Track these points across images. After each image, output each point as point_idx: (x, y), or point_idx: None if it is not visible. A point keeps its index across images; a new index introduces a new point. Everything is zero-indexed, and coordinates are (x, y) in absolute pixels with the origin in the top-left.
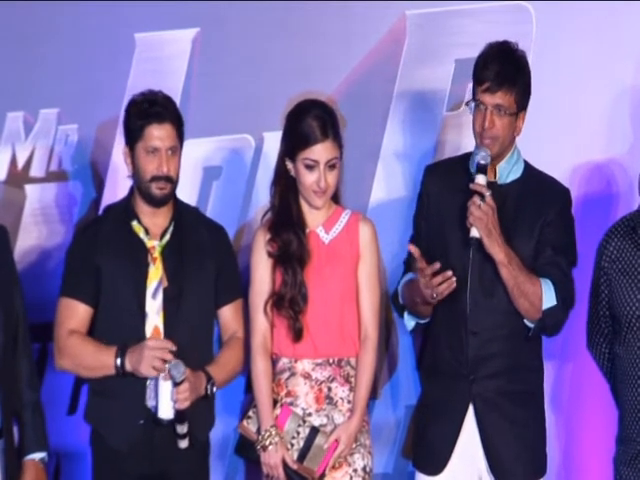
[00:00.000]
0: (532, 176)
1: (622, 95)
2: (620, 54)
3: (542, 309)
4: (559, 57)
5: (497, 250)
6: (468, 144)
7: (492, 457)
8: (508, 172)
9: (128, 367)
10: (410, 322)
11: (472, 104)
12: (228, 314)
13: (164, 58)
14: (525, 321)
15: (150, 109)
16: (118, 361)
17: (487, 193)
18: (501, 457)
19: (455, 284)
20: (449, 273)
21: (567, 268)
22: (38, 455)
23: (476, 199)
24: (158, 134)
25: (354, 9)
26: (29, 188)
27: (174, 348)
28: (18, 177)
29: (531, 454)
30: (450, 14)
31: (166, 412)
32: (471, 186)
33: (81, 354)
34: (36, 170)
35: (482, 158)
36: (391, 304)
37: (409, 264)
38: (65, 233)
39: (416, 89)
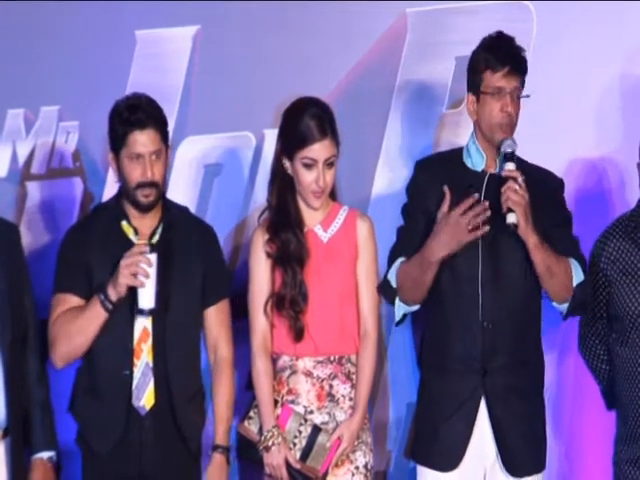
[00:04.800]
0: (525, 169)
1: (621, 92)
2: (619, 52)
3: (573, 286)
4: (559, 55)
5: (531, 233)
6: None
7: (505, 451)
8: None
9: (112, 294)
10: (400, 311)
11: (477, 95)
12: (212, 316)
13: (165, 55)
14: (555, 304)
15: (132, 116)
16: (101, 296)
17: (520, 178)
18: (513, 451)
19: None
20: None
21: (579, 246)
22: (46, 454)
23: (512, 184)
24: (141, 140)
25: (355, 7)
26: (30, 185)
27: (147, 249)
28: (19, 174)
29: (537, 448)
30: (450, 12)
31: (147, 301)
32: (504, 173)
33: (69, 323)
34: (37, 167)
35: (509, 146)
36: (380, 294)
37: (397, 252)
38: (66, 230)
39: (416, 86)
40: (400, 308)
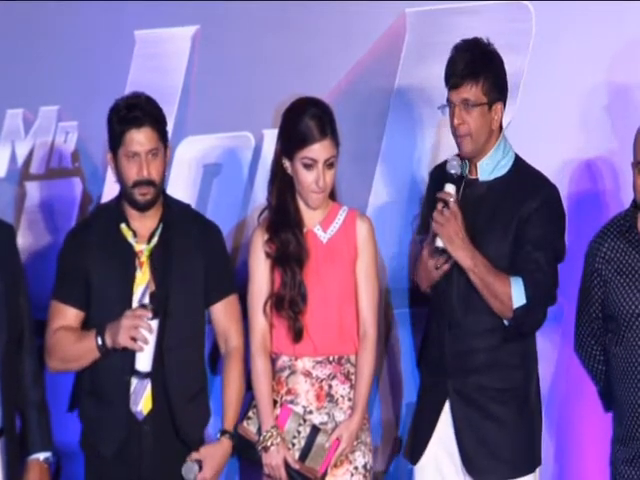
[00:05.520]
0: (520, 173)
1: (619, 93)
2: (618, 53)
3: (513, 308)
4: (558, 55)
5: (461, 256)
6: None
7: (465, 453)
8: (492, 169)
9: (108, 342)
10: None
11: (445, 107)
12: (219, 312)
13: (164, 55)
14: (504, 320)
15: (128, 114)
16: (99, 340)
17: (451, 199)
18: (474, 454)
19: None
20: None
21: (546, 264)
22: (42, 455)
23: (439, 206)
24: (137, 138)
25: (354, 7)
26: (29, 185)
27: (150, 315)
28: (18, 174)
29: (511, 451)
30: (449, 12)
31: (144, 365)
32: (437, 195)
33: (65, 347)
34: (36, 167)
35: (452, 168)
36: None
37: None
38: (65, 230)
39: (416, 86)
40: None
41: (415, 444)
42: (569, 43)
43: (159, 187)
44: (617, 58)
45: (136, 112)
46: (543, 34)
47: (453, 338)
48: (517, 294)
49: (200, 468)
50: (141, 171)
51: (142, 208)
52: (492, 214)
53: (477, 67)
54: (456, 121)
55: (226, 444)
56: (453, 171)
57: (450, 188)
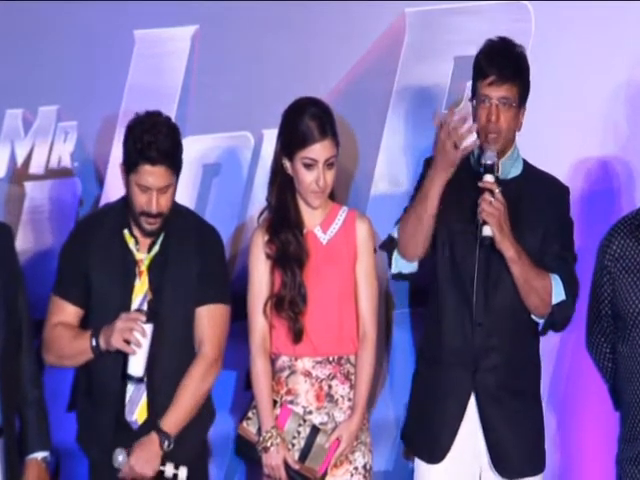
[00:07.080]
0: (532, 173)
1: (619, 91)
2: (617, 52)
3: (552, 304)
4: (558, 55)
5: (508, 246)
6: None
7: (494, 450)
8: (509, 168)
9: (102, 344)
10: (397, 263)
11: (474, 101)
12: (201, 317)
13: (163, 55)
14: (533, 317)
15: (147, 150)
16: (93, 341)
17: (497, 190)
18: (503, 450)
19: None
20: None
21: (572, 264)
22: (41, 454)
23: (487, 196)
24: (151, 174)
25: (354, 7)
26: (28, 185)
27: (144, 318)
28: (17, 174)
29: (530, 449)
30: (449, 12)
31: (136, 369)
32: (480, 184)
33: (61, 343)
34: (35, 167)
35: (489, 158)
36: (380, 249)
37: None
38: (65, 230)
39: (415, 86)
40: (397, 261)
41: (435, 443)
42: (569, 43)
43: (166, 215)
44: (617, 57)
45: (153, 150)
46: (543, 34)
47: (478, 334)
48: (557, 290)
49: (128, 456)
50: (150, 204)
51: (147, 235)
52: (519, 212)
53: (519, 68)
54: (493, 117)
55: (154, 438)
56: (490, 161)
57: (490, 178)
